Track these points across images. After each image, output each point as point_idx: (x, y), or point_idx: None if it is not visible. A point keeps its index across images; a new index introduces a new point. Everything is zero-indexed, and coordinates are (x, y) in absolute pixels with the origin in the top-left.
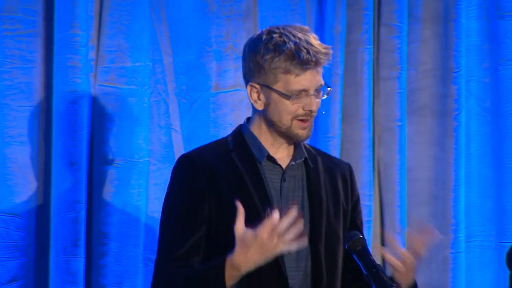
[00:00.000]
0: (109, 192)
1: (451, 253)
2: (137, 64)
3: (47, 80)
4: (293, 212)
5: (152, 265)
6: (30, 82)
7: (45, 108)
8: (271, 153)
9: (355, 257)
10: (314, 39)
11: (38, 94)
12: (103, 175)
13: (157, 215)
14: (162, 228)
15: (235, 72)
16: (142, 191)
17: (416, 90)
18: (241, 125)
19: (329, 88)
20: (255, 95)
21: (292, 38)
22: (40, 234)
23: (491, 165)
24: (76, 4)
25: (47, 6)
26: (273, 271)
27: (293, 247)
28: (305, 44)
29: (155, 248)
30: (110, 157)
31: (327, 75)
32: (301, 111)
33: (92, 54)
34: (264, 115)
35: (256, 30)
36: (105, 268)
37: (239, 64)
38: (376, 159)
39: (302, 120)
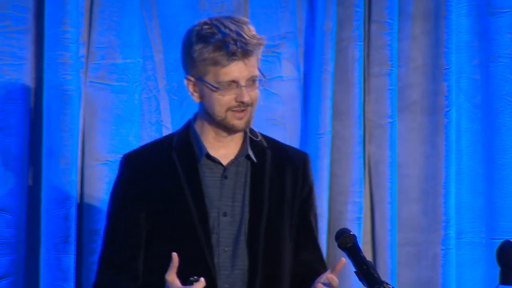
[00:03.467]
0: (100, 189)
1: (442, 249)
2: (128, 61)
3: (38, 76)
4: None
5: None
6: (21, 79)
7: (36, 105)
8: (214, 150)
9: (345, 253)
10: (247, 30)
11: (28, 90)
12: (94, 172)
13: None
14: (103, 233)
15: None
16: None
17: (406, 87)
18: (190, 119)
19: (264, 79)
20: (191, 88)
21: (222, 29)
22: (31, 231)
23: (482, 161)
24: (66, 1)
25: (38, 2)
26: (200, 270)
27: None
28: (234, 36)
29: None
30: (101, 154)
31: (318, 72)
32: (233, 103)
33: (82, 51)
34: (203, 108)
35: None
36: (95, 264)
37: None
38: (366, 156)
39: (237, 111)
